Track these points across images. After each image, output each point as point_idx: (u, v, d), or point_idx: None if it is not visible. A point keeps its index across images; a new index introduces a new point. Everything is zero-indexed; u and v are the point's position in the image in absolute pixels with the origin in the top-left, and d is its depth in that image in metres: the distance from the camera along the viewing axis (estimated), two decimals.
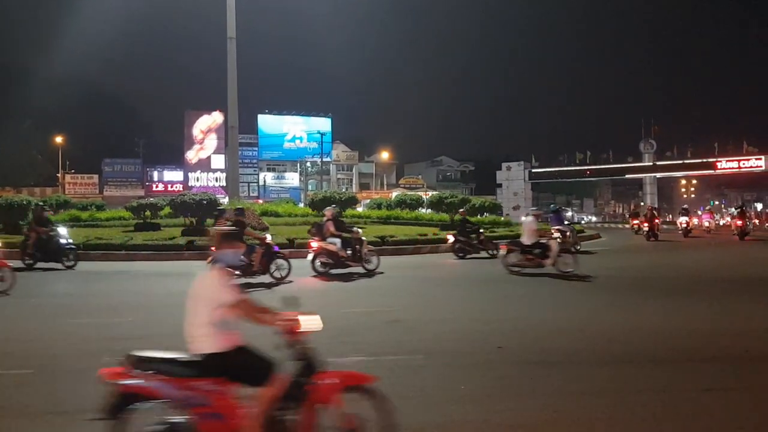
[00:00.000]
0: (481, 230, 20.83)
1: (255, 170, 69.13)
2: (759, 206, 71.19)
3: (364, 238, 15.45)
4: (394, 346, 7.27)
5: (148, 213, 24.58)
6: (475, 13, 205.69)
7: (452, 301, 11.19)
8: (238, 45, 32.99)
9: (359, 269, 14.65)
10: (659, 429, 4.68)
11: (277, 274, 13.24)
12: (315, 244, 14.75)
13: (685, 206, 40.12)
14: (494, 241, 21.35)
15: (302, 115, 72.06)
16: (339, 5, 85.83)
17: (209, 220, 23.74)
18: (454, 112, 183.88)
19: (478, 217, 33.70)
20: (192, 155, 65.76)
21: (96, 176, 63.42)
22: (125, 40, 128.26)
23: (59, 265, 15.55)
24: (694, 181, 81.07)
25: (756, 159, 56.55)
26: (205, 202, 22.86)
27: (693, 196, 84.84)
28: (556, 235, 19.01)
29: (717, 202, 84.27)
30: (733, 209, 49.28)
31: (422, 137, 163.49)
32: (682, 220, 32.99)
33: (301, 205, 38.25)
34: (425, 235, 23.75)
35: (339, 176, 76.92)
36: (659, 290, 12.26)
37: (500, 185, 69.16)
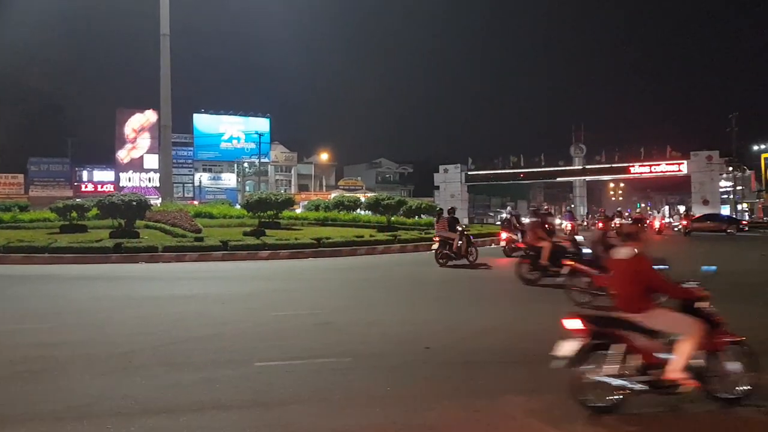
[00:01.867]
0: None
1: (190, 171, 67.79)
2: (682, 208, 74.40)
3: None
4: (322, 348, 7.24)
5: (74, 214, 23.76)
6: (414, 18, 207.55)
7: (384, 303, 11.22)
8: (173, 42, 32.34)
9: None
10: (572, 425, 4.81)
11: (471, 258, 17.54)
12: (504, 234, 21.27)
13: (619, 209, 44.05)
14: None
15: (240, 115, 71.05)
16: (278, 4, 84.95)
17: (139, 222, 23.16)
18: (394, 115, 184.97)
19: (416, 218, 34.00)
20: (124, 155, 63.94)
21: (21, 176, 60.90)
22: (53, 35, 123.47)
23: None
24: (622, 184, 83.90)
25: (666, 164, 59.63)
26: (134, 203, 22.20)
27: (621, 198, 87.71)
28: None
29: (643, 205, 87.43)
30: (656, 212, 52.78)
31: (362, 139, 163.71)
32: (616, 221, 35.92)
33: (238, 206, 37.66)
34: (362, 236, 23.78)
35: (277, 177, 76.16)
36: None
37: (438, 187, 69.93)
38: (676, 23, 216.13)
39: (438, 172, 69.96)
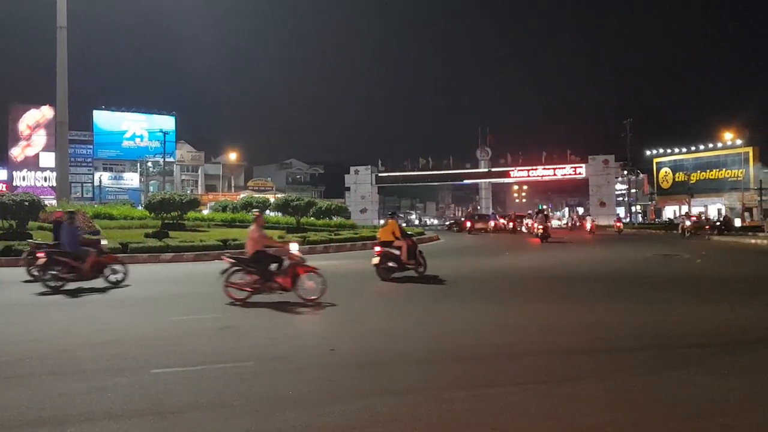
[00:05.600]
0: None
1: (90, 170, 64.92)
2: (580, 210, 78.05)
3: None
4: (223, 353, 7.06)
5: None
6: (326, 20, 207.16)
7: (288, 305, 11.09)
8: (73, 36, 31.12)
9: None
10: (473, 423, 4.90)
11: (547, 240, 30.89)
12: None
13: (530, 211, 49.04)
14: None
15: (143, 113, 68.62)
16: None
17: (32, 223, 21.91)
18: (305, 116, 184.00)
19: (326, 220, 33.91)
20: (17, 152, 60.49)
21: None
22: None
23: None
24: (525, 187, 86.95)
25: (543, 169, 63.20)
26: (26, 203, 20.97)
27: (524, 200, 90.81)
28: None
29: (546, 206, 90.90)
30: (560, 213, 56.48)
31: (273, 140, 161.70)
32: (527, 222, 42.62)
33: (140, 207, 36.31)
34: (270, 238, 23.45)
35: (184, 177, 74.07)
36: (498, 289, 12.96)
37: (349, 188, 70.08)
38: (578, 35, 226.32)
39: (349, 173, 70.13)
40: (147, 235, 22.00)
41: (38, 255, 12.76)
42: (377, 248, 14.36)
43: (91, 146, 65.15)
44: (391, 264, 14.13)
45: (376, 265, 14.05)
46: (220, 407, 5.22)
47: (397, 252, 14.13)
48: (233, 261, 10.60)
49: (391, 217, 15.43)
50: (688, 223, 38.80)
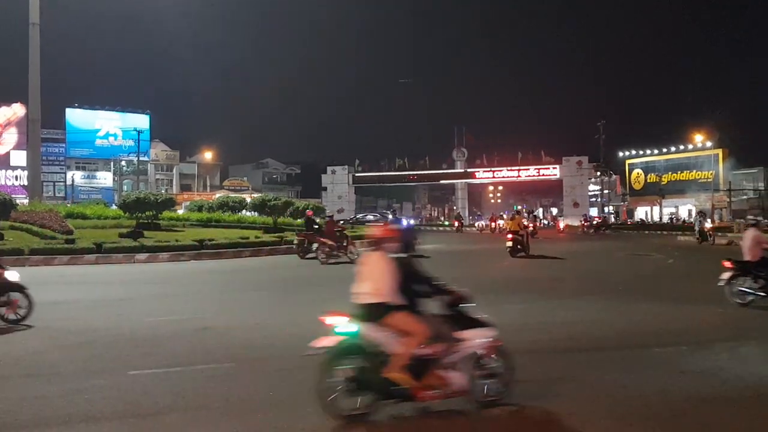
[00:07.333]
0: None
1: (62, 168, 63.86)
2: (554, 210, 78.80)
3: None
4: (201, 354, 7.03)
5: None
6: (302, 18, 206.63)
7: (269, 305, 11.08)
8: (45, 30, 30.50)
9: None
10: (454, 424, 4.95)
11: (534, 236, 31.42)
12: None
13: (502, 213, 50.85)
14: None
15: (117, 111, 67.71)
16: None
17: (3, 223, 21.55)
18: (281, 115, 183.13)
19: (304, 219, 33.82)
20: None
21: None
22: None
23: None
24: (500, 188, 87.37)
25: (508, 170, 63.88)
26: None
27: (499, 201, 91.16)
28: None
29: (520, 207, 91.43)
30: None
31: (249, 139, 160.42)
32: (500, 223, 44.69)
33: (114, 207, 35.84)
34: (247, 238, 23.36)
35: (158, 177, 73.18)
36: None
37: (325, 188, 69.89)
38: (551, 36, 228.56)
39: (326, 173, 69.96)
40: (121, 235, 21.75)
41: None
42: (510, 235, 20.75)
43: (64, 145, 64.11)
44: (518, 246, 20.53)
45: (509, 247, 20.44)
46: (199, 409, 5.22)
47: (520, 238, 20.55)
48: (738, 266, 10.47)
49: (518, 213, 24.59)
50: (708, 224, 29.00)
